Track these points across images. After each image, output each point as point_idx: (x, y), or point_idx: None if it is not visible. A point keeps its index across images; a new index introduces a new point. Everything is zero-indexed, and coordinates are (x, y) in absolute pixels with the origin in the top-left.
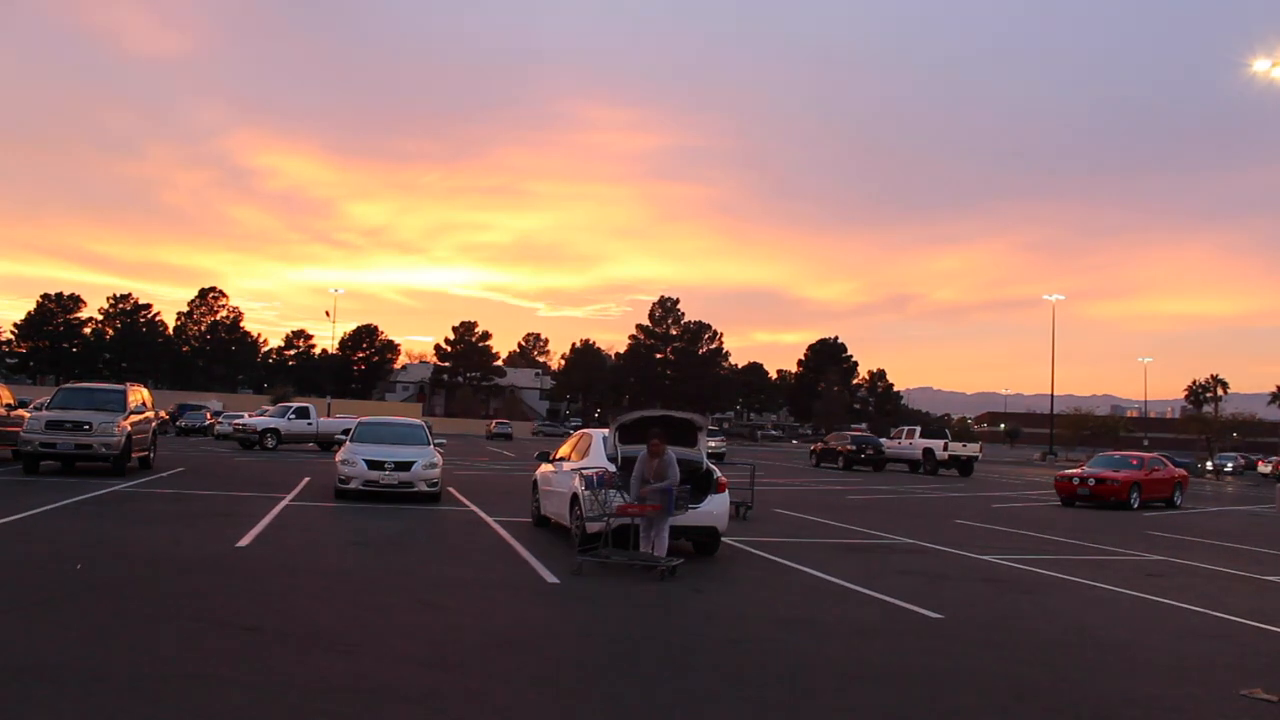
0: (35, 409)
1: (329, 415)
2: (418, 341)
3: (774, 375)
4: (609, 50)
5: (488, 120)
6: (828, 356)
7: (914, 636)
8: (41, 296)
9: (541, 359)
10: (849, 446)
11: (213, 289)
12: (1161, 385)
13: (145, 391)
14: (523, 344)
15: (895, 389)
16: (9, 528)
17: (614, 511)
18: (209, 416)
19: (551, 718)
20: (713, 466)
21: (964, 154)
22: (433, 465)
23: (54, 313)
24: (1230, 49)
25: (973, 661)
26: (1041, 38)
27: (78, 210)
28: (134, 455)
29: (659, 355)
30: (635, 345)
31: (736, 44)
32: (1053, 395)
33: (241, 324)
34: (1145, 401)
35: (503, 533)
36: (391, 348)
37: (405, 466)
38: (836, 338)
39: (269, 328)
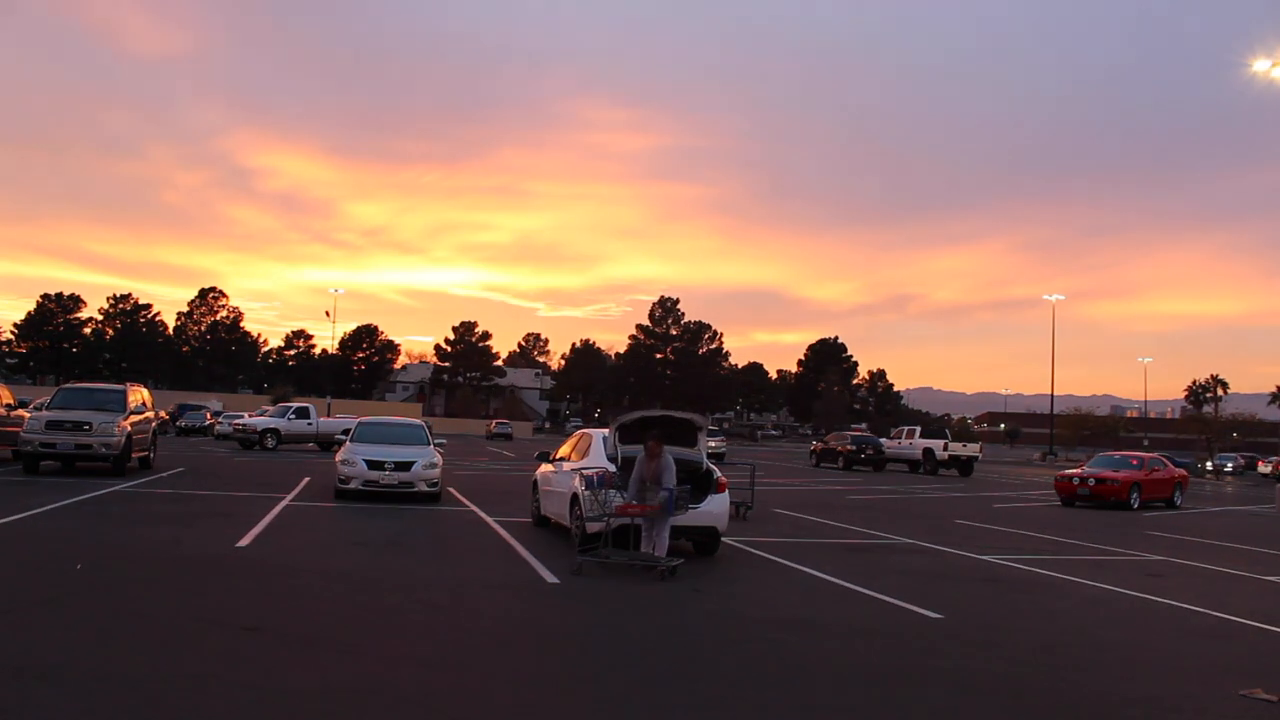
0: (35, 409)
1: (329, 415)
2: (418, 341)
3: (774, 375)
4: (609, 50)
5: (488, 120)
6: (828, 356)
7: (914, 636)
8: (41, 296)
9: (541, 359)
10: (849, 446)
11: (213, 289)
12: (1161, 385)
13: (145, 392)
14: (523, 344)
15: (895, 389)
16: (9, 528)
17: (614, 511)
18: (209, 417)
19: (551, 718)
20: (713, 466)
21: (964, 154)
22: (433, 465)
23: (54, 313)
24: (1230, 49)
25: (972, 661)
26: (1041, 38)
27: (78, 210)
28: (134, 455)
29: (659, 355)
30: (635, 345)
31: (737, 44)
32: (1053, 395)
33: (241, 324)
34: (1145, 401)
35: (503, 533)
36: (391, 348)
37: (405, 466)
38: (836, 338)
39: (269, 328)
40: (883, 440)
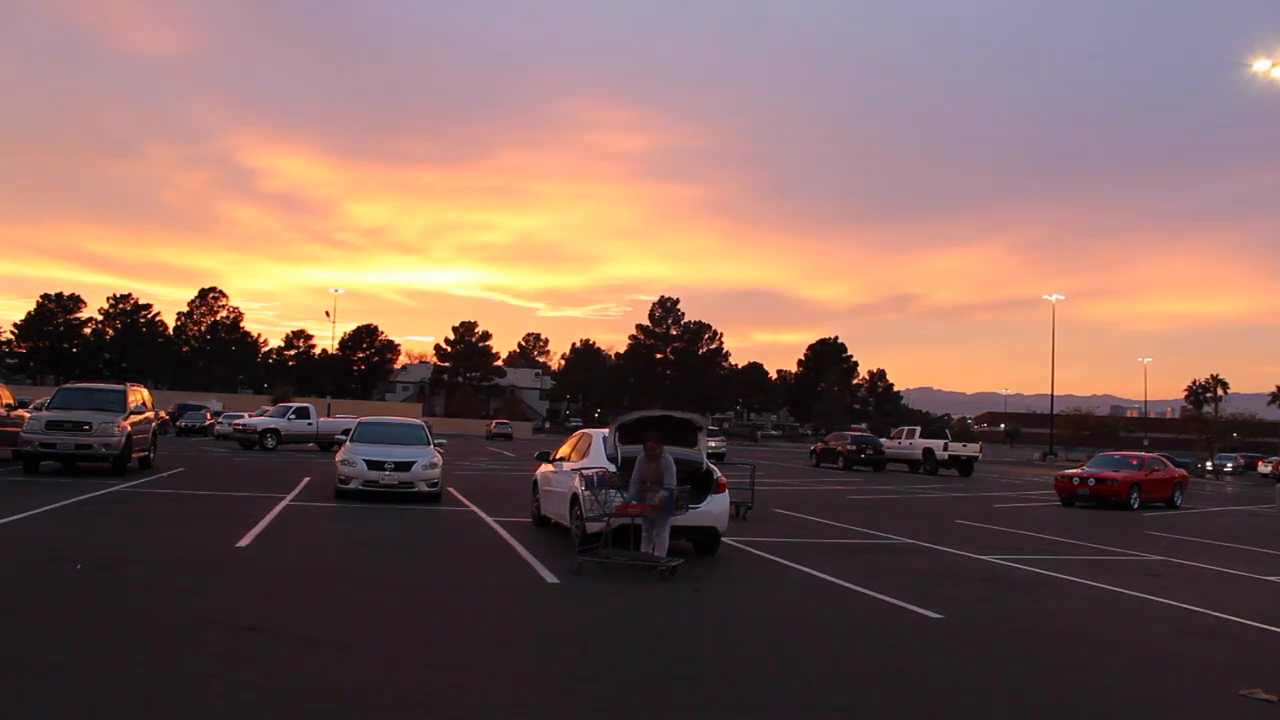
0: (35, 409)
1: (329, 415)
2: (418, 341)
3: (774, 375)
4: (609, 50)
5: (488, 120)
6: (828, 356)
7: (913, 636)
8: (41, 297)
9: (541, 359)
10: (849, 446)
11: (213, 289)
12: (1161, 385)
13: (145, 392)
14: (523, 344)
15: (895, 389)
16: (9, 528)
17: (614, 511)
18: (209, 417)
19: (551, 718)
20: (713, 466)
21: (964, 154)
22: (433, 465)
23: (54, 313)
24: (1230, 49)
25: (972, 661)
26: (1041, 38)
27: (78, 210)
28: (134, 455)
29: (659, 355)
30: (635, 345)
31: (737, 44)
32: (1052, 395)
33: (241, 324)
34: (1145, 402)
35: (503, 533)
36: (391, 348)
37: (405, 466)
38: (836, 338)
39: (269, 328)
40: (883, 440)
